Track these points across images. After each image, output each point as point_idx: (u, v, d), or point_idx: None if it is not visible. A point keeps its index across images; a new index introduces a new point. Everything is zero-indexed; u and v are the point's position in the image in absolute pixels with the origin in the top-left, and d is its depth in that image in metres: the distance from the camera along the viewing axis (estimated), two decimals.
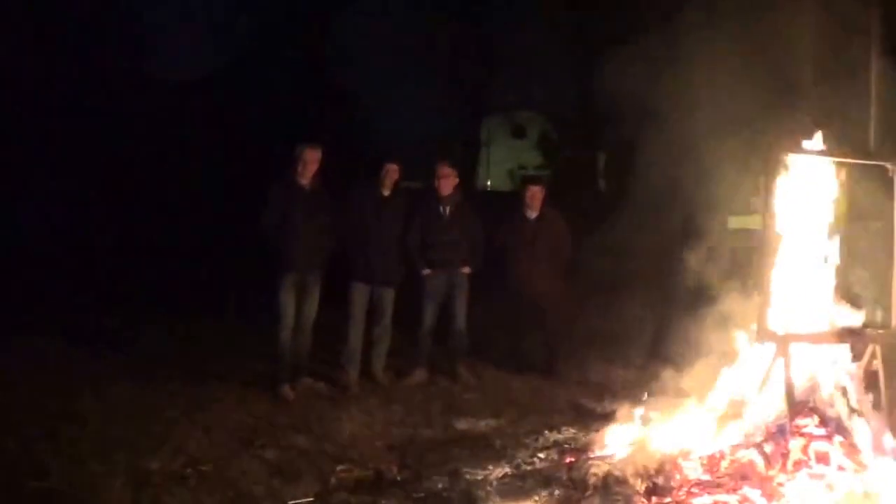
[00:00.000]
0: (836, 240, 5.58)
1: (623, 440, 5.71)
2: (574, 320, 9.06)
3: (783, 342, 5.19)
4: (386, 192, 7.97)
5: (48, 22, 16.08)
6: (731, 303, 5.87)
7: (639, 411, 6.09)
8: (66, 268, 12.42)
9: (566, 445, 6.14)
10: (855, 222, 5.86)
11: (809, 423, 5.14)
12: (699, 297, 6.47)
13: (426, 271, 8.18)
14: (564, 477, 5.21)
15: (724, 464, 5.07)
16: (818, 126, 5.57)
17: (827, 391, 5.34)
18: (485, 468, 5.59)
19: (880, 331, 5.52)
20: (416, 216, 8.16)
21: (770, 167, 5.21)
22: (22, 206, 13.92)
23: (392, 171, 7.95)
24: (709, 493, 4.84)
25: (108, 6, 18.64)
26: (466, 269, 8.25)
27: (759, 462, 4.99)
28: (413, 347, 8.35)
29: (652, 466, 5.10)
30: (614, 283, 9.00)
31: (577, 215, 8.88)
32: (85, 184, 14.63)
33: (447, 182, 8.22)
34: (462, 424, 6.85)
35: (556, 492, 5.06)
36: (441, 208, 8.22)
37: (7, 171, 14.27)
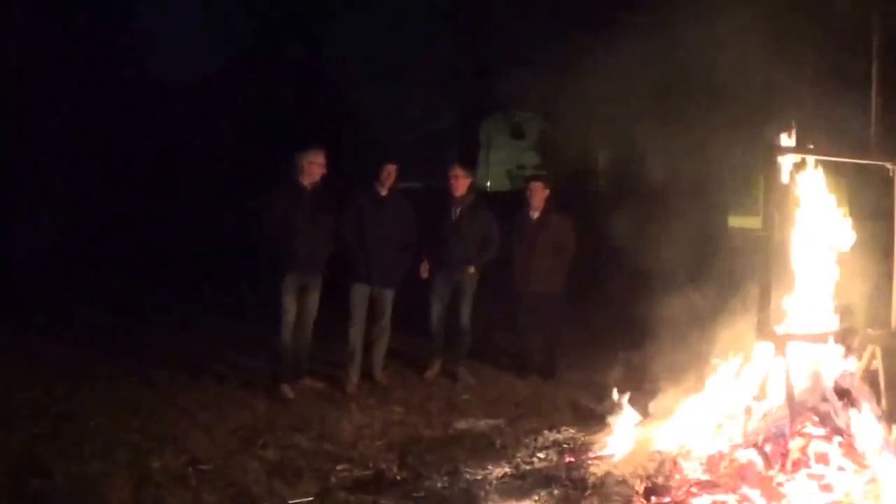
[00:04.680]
0: (837, 239, 5.59)
1: (622, 440, 5.72)
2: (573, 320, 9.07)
3: (782, 342, 5.20)
4: (384, 193, 7.98)
5: (49, 23, 16.10)
6: (732, 302, 5.88)
7: (639, 411, 6.10)
8: (67, 268, 12.44)
9: (565, 445, 6.14)
10: (856, 222, 5.85)
11: (809, 424, 5.15)
12: (699, 297, 6.49)
13: (425, 268, 8.19)
14: (564, 477, 5.22)
15: (724, 464, 5.08)
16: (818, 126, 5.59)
17: (827, 391, 5.35)
18: (484, 468, 5.60)
19: (880, 331, 5.53)
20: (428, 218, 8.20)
21: (770, 167, 5.21)
22: (22, 207, 13.94)
23: (390, 172, 7.96)
24: (708, 493, 4.85)
25: (109, 8, 18.67)
26: (471, 270, 8.25)
27: (759, 462, 5.00)
28: (425, 344, 8.44)
29: (651, 466, 5.11)
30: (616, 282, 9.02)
31: (577, 215, 8.86)
32: (85, 184, 14.64)
33: (460, 183, 8.24)
34: (462, 424, 6.86)
35: (556, 491, 5.06)
36: (452, 209, 8.23)
37: (7, 172, 14.30)
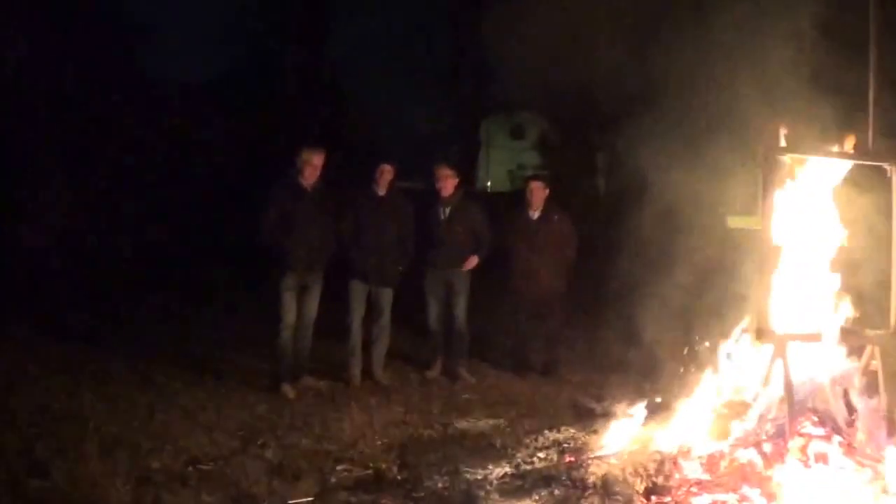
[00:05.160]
0: (836, 239, 5.59)
1: (622, 440, 5.72)
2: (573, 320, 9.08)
3: (782, 342, 5.20)
4: (381, 193, 7.99)
5: (53, 26, 16.11)
6: (731, 302, 5.88)
7: (638, 411, 6.10)
8: (67, 268, 12.42)
9: (566, 445, 6.14)
10: (854, 222, 5.85)
11: (808, 423, 5.15)
12: (699, 297, 6.48)
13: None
14: (564, 476, 5.21)
15: (724, 463, 5.08)
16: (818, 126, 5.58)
17: (826, 391, 5.35)
18: (484, 468, 5.59)
19: (879, 331, 5.53)
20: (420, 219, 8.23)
21: (769, 167, 5.21)
22: (22, 206, 13.93)
23: (386, 172, 7.97)
24: (708, 492, 4.85)
25: (111, 9, 18.69)
26: (471, 263, 8.26)
27: (759, 462, 5.00)
28: (425, 344, 8.50)
29: (651, 466, 5.11)
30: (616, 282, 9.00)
31: (577, 215, 8.88)
32: (85, 184, 14.63)
33: (447, 184, 8.26)
34: (462, 424, 6.86)
35: (556, 491, 5.05)
36: (441, 209, 8.24)
37: (7, 172, 14.29)
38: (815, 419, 5.21)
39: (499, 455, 5.94)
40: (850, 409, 5.32)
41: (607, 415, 6.45)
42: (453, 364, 8.35)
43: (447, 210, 8.25)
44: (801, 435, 5.08)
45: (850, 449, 5.08)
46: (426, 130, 25.47)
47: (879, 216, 5.66)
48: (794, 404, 5.12)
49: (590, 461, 5.37)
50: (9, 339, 8.85)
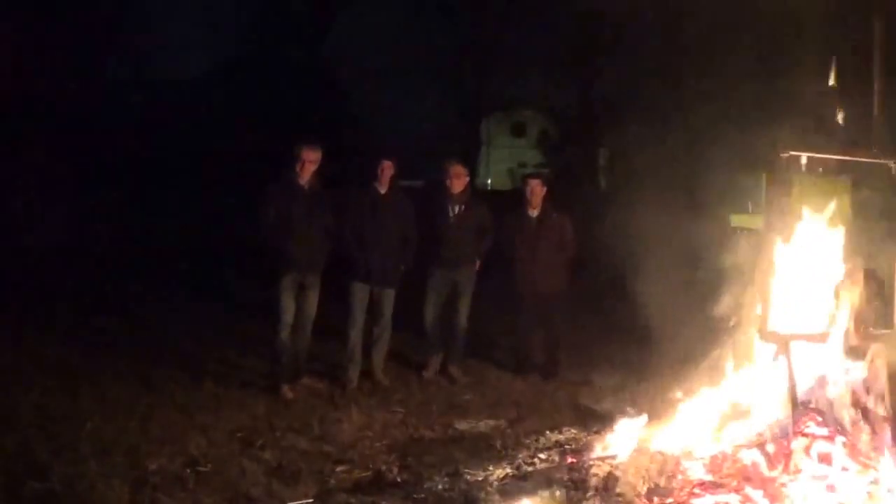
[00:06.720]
0: (838, 239, 5.56)
1: (624, 440, 5.69)
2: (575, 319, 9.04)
3: (785, 342, 5.17)
4: (383, 190, 7.94)
5: (52, 24, 16.11)
6: (734, 302, 5.85)
7: (640, 411, 6.07)
8: (66, 267, 12.41)
9: (567, 446, 6.12)
10: (856, 221, 5.82)
11: (812, 424, 5.12)
12: (701, 296, 6.46)
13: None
14: (565, 478, 5.19)
15: (727, 464, 5.05)
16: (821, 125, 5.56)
17: (829, 391, 5.32)
18: (485, 469, 5.56)
19: (882, 331, 5.50)
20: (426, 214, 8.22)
21: (773, 166, 5.18)
22: (22, 206, 13.92)
23: (388, 168, 7.92)
24: (711, 493, 4.82)
25: (109, 8, 18.71)
26: (477, 264, 8.24)
27: (762, 463, 4.97)
28: (423, 342, 8.45)
29: (653, 467, 5.08)
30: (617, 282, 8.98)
31: (578, 213, 8.84)
32: (85, 183, 14.63)
33: (459, 181, 8.23)
34: (462, 425, 6.83)
35: (557, 492, 5.02)
36: (449, 206, 8.20)
37: (8, 171, 14.29)
38: (819, 419, 5.17)
39: (499, 456, 5.92)
40: (854, 409, 5.29)
41: (609, 415, 6.41)
42: (449, 364, 8.30)
43: (457, 207, 8.22)
44: (804, 435, 5.05)
45: (853, 450, 5.04)
46: (427, 128, 25.48)
47: (881, 215, 5.63)
48: (798, 404, 5.09)
49: (591, 462, 5.35)
50: (7, 339, 8.82)
